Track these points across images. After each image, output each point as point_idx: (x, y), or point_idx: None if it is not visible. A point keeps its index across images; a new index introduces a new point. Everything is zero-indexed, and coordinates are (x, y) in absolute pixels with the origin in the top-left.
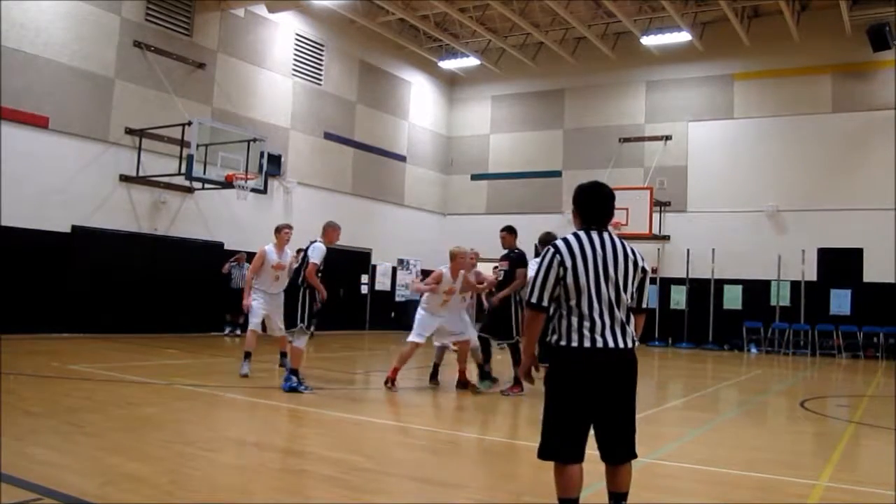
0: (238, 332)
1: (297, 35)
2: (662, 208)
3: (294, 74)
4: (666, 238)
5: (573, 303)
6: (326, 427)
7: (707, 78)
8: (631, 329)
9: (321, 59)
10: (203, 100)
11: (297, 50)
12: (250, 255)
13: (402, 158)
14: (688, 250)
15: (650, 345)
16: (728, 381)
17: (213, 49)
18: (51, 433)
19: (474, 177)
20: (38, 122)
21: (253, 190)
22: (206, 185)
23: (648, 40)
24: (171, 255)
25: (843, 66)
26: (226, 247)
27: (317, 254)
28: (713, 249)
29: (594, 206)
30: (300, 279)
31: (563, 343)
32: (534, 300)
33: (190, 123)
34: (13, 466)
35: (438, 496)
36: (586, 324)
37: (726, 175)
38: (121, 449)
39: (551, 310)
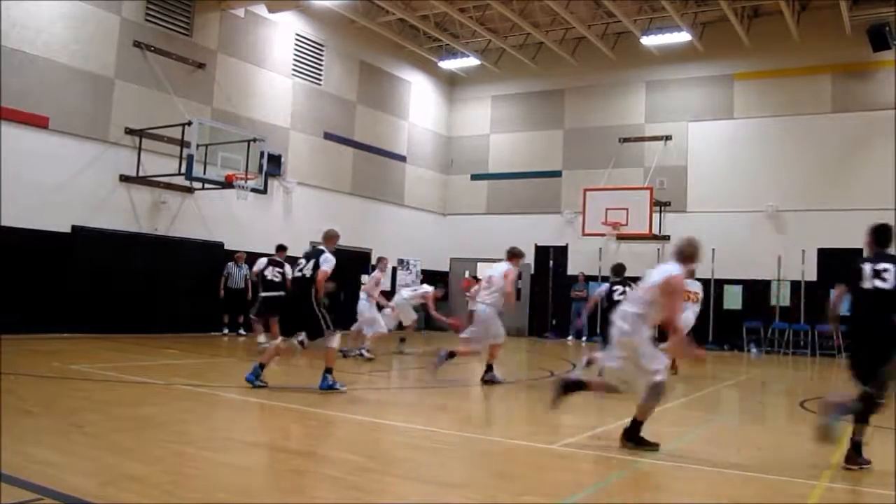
0: (241, 331)
1: (297, 35)
2: (662, 208)
3: (294, 74)
4: (666, 238)
5: None
6: (327, 427)
7: (707, 78)
8: None
9: (321, 59)
10: (203, 100)
11: (297, 50)
12: (250, 255)
13: (402, 158)
14: None
15: None
16: (728, 381)
17: (213, 49)
18: (51, 433)
19: (474, 177)
20: (38, 122)
21: (253, 190)
22: (206, 185)
23: (648, 40)
24: (171, 255)
25: (843, 66)
26: (226, 247)
27: (329, 264)
28: (713, 249)
29: None
30: (313, 287)
31: None
32: None
33: (190, 123)
34: (13, 466)
35: (439, 496)
36: None
37: (726, 175)
38: (121, 449)
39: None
